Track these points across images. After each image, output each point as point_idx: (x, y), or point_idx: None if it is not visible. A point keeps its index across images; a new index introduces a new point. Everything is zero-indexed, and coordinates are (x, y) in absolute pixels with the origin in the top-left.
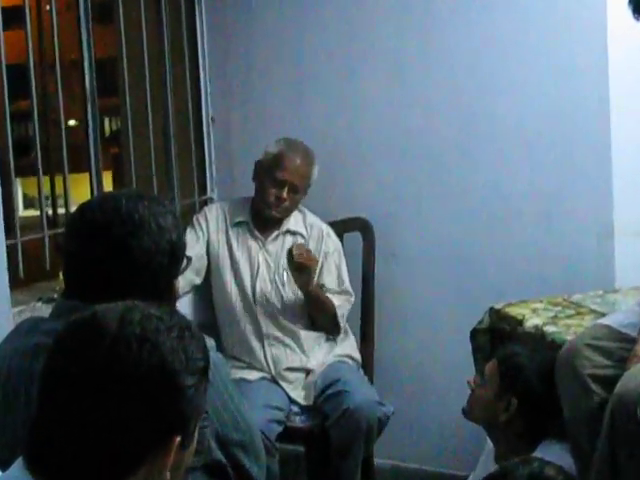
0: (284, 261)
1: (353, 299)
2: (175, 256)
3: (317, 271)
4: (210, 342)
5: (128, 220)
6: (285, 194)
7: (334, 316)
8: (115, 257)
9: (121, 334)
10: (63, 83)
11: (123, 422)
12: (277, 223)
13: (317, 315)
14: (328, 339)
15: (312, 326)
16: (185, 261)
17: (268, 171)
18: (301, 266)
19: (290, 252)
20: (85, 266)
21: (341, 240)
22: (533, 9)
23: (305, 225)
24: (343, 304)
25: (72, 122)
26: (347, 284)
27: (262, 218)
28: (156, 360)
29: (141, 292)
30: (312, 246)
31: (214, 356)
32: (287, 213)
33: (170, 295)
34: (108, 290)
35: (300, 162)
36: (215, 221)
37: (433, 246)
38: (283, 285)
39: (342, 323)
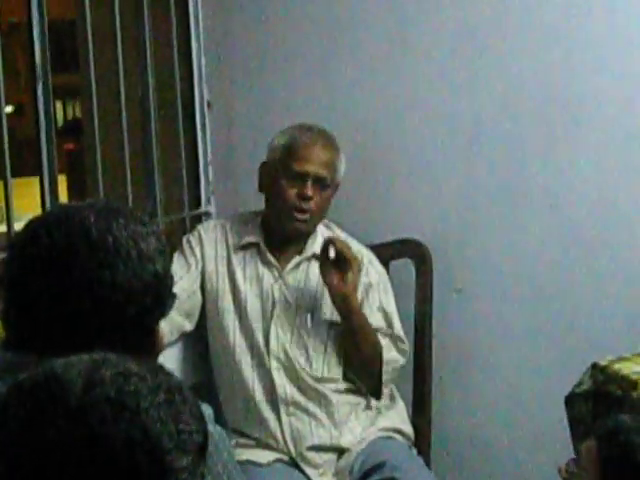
0: (309, 297)
1: (407, 350)
2: (160, 293)
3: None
4: (208, 411)
5: (99, 245)
6: (310, 190)
7: (378, 362)
8: (80, 295)
9: (88, 399)
10: (2, 54)
11: None
12: (298, 245)
13: (357, 354)
14: (368, 406)
15: (347, 387)
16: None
17: (281, 168)
18: (345, 265)
19: (326, 246)
20: (36, 306)
21: (386, 269)
22: None
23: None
24: (391, 353)
25: (9, 109)
26: (398, 328)
27: (278, 238)
28: (137, 434)
29: (113, 342)
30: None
31: (212, 430)
32: (315, 222)
33: (152, 347)
34: (69, 339)
35: (321, 147)
36: (213, 244)
37: (511, 280)
38: (307, 331)
39: (387, 381)
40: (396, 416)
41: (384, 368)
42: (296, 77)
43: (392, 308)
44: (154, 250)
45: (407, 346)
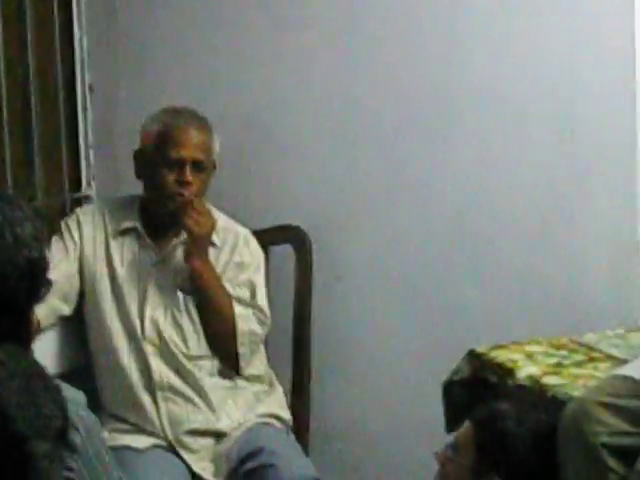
0: (182, 279)
1: (268, 322)
2: (35, 278)
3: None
4: (78, 395)
5: None
6: (189, 176)
7: (229, 330)
8: None
9: None
10: None
11: None
12: (177, 228)
13: (204, 319)
14: (241, 390)
15: (221, 367)
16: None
17: (157, 155)
18: (193, 233)
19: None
20: None
21: (266, 255)
22: None
23: (216, 230)
24: (249, 321)
25: None
26: (261, 299)
27: (158, 222)
28: None
29: None
30: (224, 258)
31: (83, 414)
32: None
33: (26, 332)
34: None
35: (195, 130)
36: (91, 228)
37: (391, 266)
38: (180, 311)
39: (243, 347)
40: (274, 402)
41: (240, 339)
42: (179, 60)
43: (259, 281)
44: (29, 235)
45: (269, 320)
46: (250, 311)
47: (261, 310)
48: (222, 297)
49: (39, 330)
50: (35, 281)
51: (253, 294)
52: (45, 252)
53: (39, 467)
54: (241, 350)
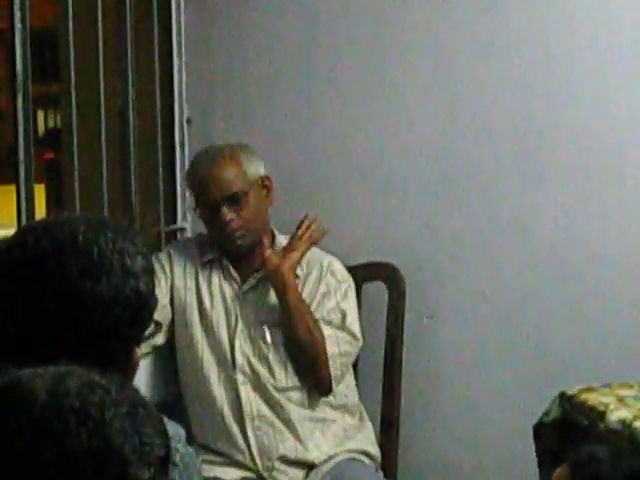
0: (267, 312)
1: (359, 344)
2: (140, 312)
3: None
4: (179, 431)
5: (84, 254)
6: (227, 215)
7: (321, 352)
8: (58, 302)
9: (53, 406)
10: None
11: None
12: (258, 260)
13: (294, 338)
14: (331, 423)
15: (310, 398)
16: (153, 326)
17: (198, 204)
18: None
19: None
20: (13, 312)
21: (359, 293)
22: None
23: (300, 262)
24: (340, 342)
25: None
26: (352, 323)
27: (233, 255)
28: (100, 443)
29: (88, 356)
30: (308, 289)
31: (183, 450)
32: (253, 230)
33: (128, 366)
34: (41, 349)
35: (219, 168)
36: (181, 261)
37: (485, 306)
38: (267, 345)
39: (335, 370)
40: (364, 438)
41: (331, 362)
42: (275, 95)
43: (348, 307)
44: (139, 268)
45: (360, 342)
46: (341, 333)
47: (352, 333)
48: (306, 309)
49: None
50: (140, 314)
51: (344, 318)
52: (155, 290)
53: None
54: (333, 372)
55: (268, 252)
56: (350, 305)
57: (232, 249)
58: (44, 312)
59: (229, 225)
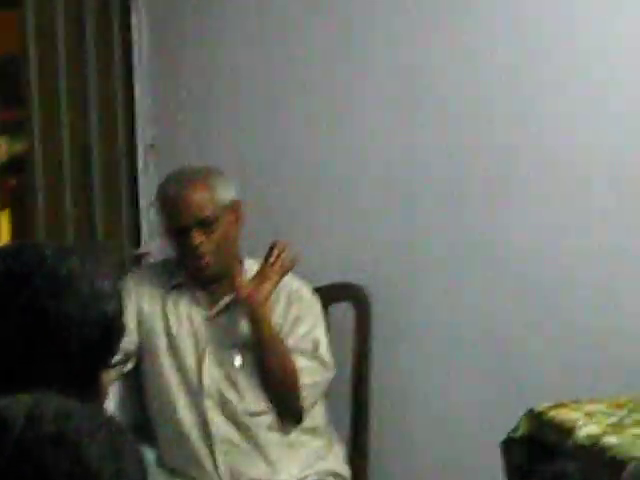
0: (238, 338)
1: (330, 374)
2: (109, 335)
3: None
4: (147, 455)
5: (51, 274)
6: (196, 239)
7: (293, 383)
8: (24, 325)
9: (29, 436)
10: None
11: None
12: (227, 285)
13: (268, 371)
14: (300, 445)
15: (280, 422)
16: (122, 354)
17: (167, 227)
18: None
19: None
20: None
21: (325, 314)
22: None
23: None
24: (313, 372)
25: None
26: (324, 351)
27: (201, 280)
28: (78, 469)
29: (54, 381)
30: (278, 313)
31: (153, 472)
32: (221, 256)
33: (97, 391)
34: (9, 375)
35: (189, 192)
36: (149, 285)
37: (453, 325)
38: (236, 370)
39: (307, 400)
40: (334, 459)
41: (304, 393)
42: (242, 118)
43: (320, 334)
44: (107, 291)
45: (332, 372)
46: (314, 363)
47: (323, 362)
48: (280, 342)
49: (107, 395)
50: (108, 337)
51: (316, 347)
52: (123, 314)
53: None
54: (305, 403)
55: (239, 281)
56: (321, 332)
57: (200, 274)
58: (10, 333)
59: (198, 249)
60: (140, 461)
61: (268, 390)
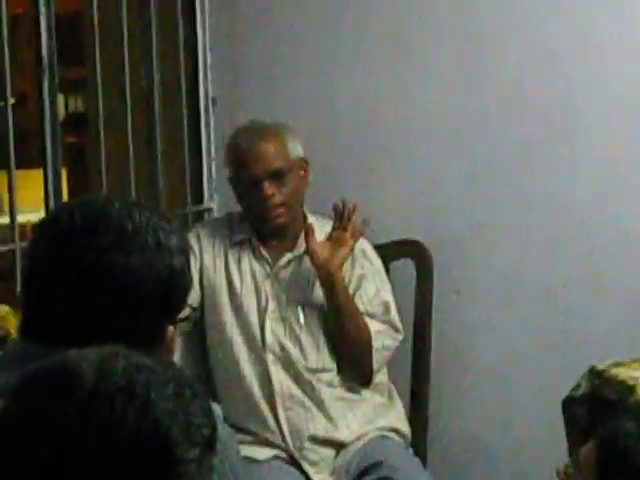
0: (301, 293)
1: (400, 337)
2: (174, 290)
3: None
4: (217, 410)
5: (117, 228)
6: (268, 190)
7: (367, 347)
8: (91, 278)
9: (100, 388)
10: (10, 47)
11: None
12: (290, 238)
13: (342, 335)
14: (365, 403)
15: (342, 382)
16: (189, 310)
17: (238, 179)
18: (336, 242)
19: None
20: (50, 289)
21: (387, 270)
22: None
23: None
24: (384, 336)
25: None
26: (394, 315)
27: (267, 234)
28: (147, 423)
29: (120, 336)
30: (345, 272)
31: (221, 429)
32: (292, 209)
33: (161, 344)
34: (80, 325)
35: (261, 143)
36: (211, 241)
37: (514, 282)
38: (300, 326)
39: (377, 364)
40: (394, 415)
41: (375, 356)
42: (301, 74)
43: (389, 297)
44: (174, 246)
45: (402, 335)
46: (384, 327)
47: (395, 327)
48: (354, 306)
49: (174, 349)
50: (175, 293)
51: (386, 310)
52: (188, 268)
53: (188, 472)
54: (376, 365)
55: (314, 245)
56: (389, 294)
57: (268, 226)
58: (78, 287)
59: (270, 200)
60: (209, 415)
61: (341, 353)
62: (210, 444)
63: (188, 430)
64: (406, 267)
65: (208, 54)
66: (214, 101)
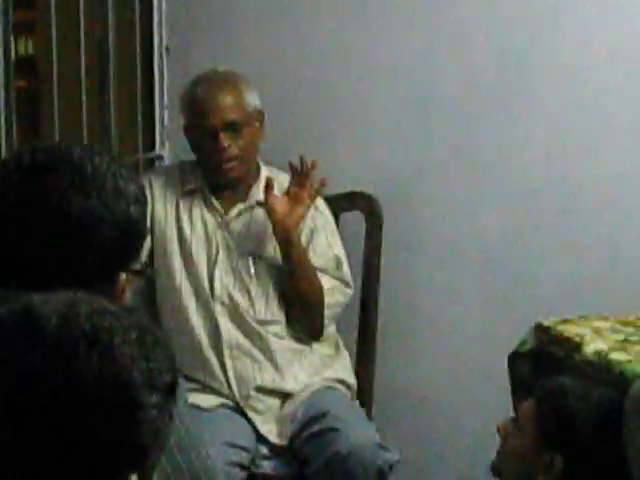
0: (252, 243)
1: (351, 292)
2: (130, 236)
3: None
4: None
5: (77, 169)
6: (224, 141)
7: (319, 304)
8: (49, 215)
9: (63, 334)
10: None
11: (59, 451)
12: (242, 190)
13: (296, 293)
14: (312, 354)
15: (290, 333)
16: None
17: (194, 128)
18: (293, 199)
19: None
20: (11, 229)
21: (337, 222)
22: None
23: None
24: (336, 292)
25: None
26: (346, 271)
27: (220, 185)
28: (109, 367)
29: (73, 279)
30: None
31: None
32: (246, 162)
33: (113, 292)
34: (34, 268)
35: (220, 93)
36: (162, 188)
37: (463, 237)
38: (250, 276)
39: (327, 319)
40: (340, 367)
41: (327, 312)
42: (258, 24)
43: (340, 251)
44: (132, 194)
45: (351, 290)
46: (336, 282)
47: (346, 282)
48: (309, 264)
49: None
50: (130, 239)
51: (338, 265)
52: (144, 218)
53: (148, 416)
54: (326, 321)
55: (275, 199)
56: (340, 248)
57: (222, 178)
58: (33, 223)
59: (226, 151)
60: (171, 362)
61: (293, 308)
62: (171, 390)
63: (150, 376)
64: (356, 219)
65: (163, 2)
66: (168, 50)
